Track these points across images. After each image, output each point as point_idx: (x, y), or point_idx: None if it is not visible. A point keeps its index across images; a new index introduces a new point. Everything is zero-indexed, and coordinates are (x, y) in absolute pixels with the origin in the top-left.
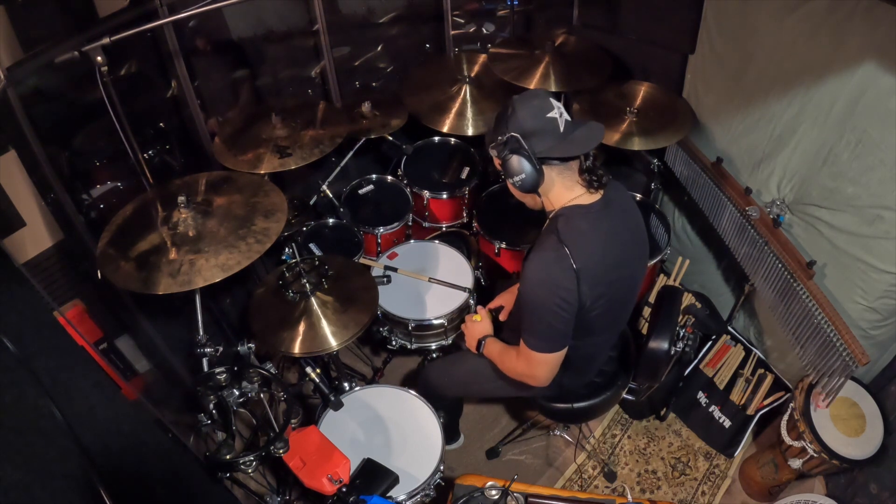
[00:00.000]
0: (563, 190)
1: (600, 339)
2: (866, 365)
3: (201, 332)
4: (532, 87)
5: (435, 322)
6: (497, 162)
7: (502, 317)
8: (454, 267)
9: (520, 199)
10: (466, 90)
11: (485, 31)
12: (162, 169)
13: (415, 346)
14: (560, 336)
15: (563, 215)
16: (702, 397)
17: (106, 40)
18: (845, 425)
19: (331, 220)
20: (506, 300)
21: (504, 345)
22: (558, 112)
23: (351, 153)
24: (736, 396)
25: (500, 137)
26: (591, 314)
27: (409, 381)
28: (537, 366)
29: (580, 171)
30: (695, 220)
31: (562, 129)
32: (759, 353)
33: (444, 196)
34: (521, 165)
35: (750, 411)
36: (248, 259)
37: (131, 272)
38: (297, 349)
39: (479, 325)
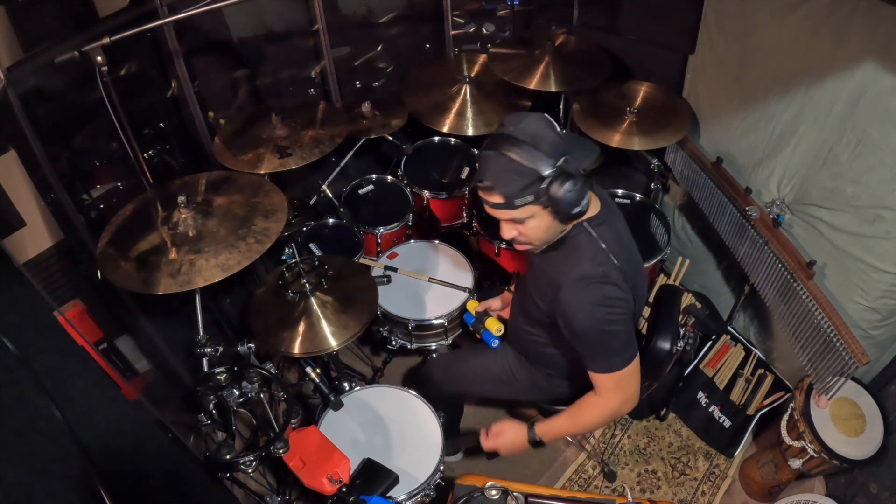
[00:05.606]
0: None
1: None
2: (866, 365)
3: (201, 332)
4: (532, 87)
5: (435, 322)
6: (530, 210)
7: (504, 314)
8: (454, 267)
9: (543, 241)
10: (466, 90)
11: (485, 31)
12: (162, 169)
13: (415, 346)
14: (632, 340)
15: (582, 232)
16: (702, 397)
17: (106, 40)
18: (845, 425)
19: (331, 220)
20: (496, 302)
21: (561, 413)
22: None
23: (351, 153)
24: (736, 396)
25: (547, 171)
26: None
27: (409, 381)
28: (627, 383)
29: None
30: (695, 220)
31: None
32: (759, 353)
33: (444, 196)
34: (579, 189)
35: (750, 411)
36: (248, 259)
37: (131, 272)
38: (296, 349)
39: (507, 433)
